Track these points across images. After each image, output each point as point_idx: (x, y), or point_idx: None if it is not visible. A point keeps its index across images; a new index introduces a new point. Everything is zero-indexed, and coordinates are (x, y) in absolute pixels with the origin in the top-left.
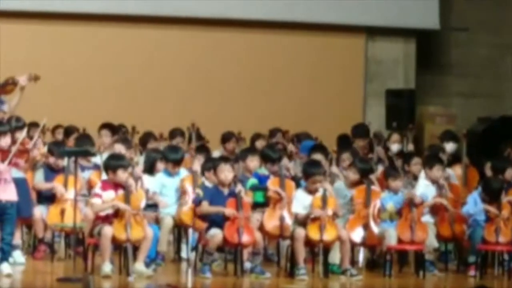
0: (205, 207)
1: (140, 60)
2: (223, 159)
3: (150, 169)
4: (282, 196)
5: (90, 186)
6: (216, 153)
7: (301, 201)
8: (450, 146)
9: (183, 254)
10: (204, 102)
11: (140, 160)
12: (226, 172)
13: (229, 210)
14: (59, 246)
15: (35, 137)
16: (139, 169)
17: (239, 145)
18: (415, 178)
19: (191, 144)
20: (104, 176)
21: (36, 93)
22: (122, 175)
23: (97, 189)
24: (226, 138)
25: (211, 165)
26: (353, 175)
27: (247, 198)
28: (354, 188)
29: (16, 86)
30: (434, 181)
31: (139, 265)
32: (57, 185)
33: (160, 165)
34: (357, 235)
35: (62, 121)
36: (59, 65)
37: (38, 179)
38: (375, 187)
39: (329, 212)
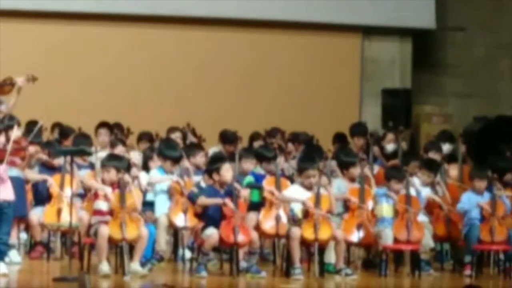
0: (203, 199)
1: (137, 60)
2: (225, 158)
3: (145, 167)
4: (277, 195)
5: (84, 185)
6: (213, 150)
7: (298, 193)
8: (446, 147)
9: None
10: (200, 102)
11: (137, 158)
12: (231, 171)
13: (227, 201)
14: (55, 246)
15: (31, 136)
16: (136, 168)
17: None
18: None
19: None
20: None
21: (32, 93)
22: (107, 175)
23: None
24: (229, 139)
25: (211, 166)
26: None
27: (245, 192)
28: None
29: (13, 87)
30: (426, 182)
31: (134, 265)
32: (49, 179)
33: (153, 164)
34: (353, 235)
35: (58, 121)
36: (55, 65)
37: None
38: (368, 187)
39: (322, 212)
